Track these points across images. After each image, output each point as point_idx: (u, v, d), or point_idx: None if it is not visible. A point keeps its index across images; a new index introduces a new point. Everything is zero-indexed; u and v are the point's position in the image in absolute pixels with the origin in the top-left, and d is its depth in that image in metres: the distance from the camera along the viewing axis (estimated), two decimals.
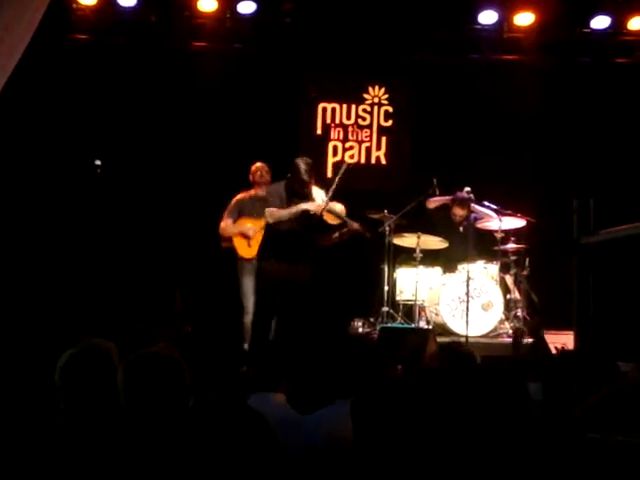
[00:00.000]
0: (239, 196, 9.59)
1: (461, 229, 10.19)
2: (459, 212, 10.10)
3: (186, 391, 3.10)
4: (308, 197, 8.52)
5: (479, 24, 10.95)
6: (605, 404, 2.67)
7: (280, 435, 2.53)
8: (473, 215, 10.09)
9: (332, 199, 8.52)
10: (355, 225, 8.59)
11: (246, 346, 8.64)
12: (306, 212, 8.42)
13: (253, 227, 9.41)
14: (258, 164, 9.63)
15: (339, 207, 8.60)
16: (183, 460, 2.31)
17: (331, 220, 8.54)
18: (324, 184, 9.17)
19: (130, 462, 2.87)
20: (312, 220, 8.41)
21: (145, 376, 3.07)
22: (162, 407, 3.03)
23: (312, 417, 4.17)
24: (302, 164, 8.44)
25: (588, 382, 2.63)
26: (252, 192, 9.59)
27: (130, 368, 3.11)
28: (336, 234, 8.65)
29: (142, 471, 2.84)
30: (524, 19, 10.89)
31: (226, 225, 9.55)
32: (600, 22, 10.88)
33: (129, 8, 10.56)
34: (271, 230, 8.62)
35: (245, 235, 9.47)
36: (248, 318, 9.34)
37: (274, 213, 8.50)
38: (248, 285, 9.41)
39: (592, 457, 2.48)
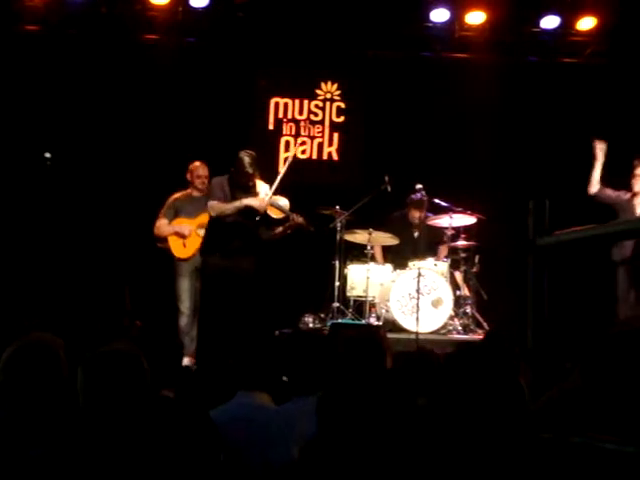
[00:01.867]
0: (175, 195, 9.55)
1: (415, 221, 10.25)
2: (416, 214, 10.15)
3: (147, 388, 3.08)
4: (252, 191, 8.53)
5: (431, 22, 11.00)
6: (554, 404, 2.71)
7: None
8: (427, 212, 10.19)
9: (276, 193, 8.55)
10: (299, 219, 8.63)
11: (186, 360, 8.53)
12: (249, 207, 8.43)
13: (189, 226, 9.37)
14: (196, 163, 9.59)
15: (283, 201, 8.64)
16: (139, 456, 2.31)
17: (275, 214, 8.58)
18: (275, 179, 9.19)
19: (88, 458, 2.85)
20: (255, 215, 8.43)
21: (106, 374, 3.04)
22: (123, 405, 3.01)
23: (287, 408, 4.21)
24: (246, 157, 8.45)
25: (540, 382, 2.66)
26: (189, 191, 9.55)
27: (91, 366, 3.08)
28: (280, 228, 8.68)
29: (98, 467, 2.82)
30: (475, 18, 10.96)
31: (160, 224, 9.48)
32: (550, 22, 10.98)
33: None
34: (215, 224, 8.62)
35: (181, 235, 9.40)
36: (183, 320, 9.31)
37: (216, 206, 8.50)
38: (183, 286, 9.36)
39: (547, 457, 2.51)
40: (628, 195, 9.03)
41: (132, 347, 3.19)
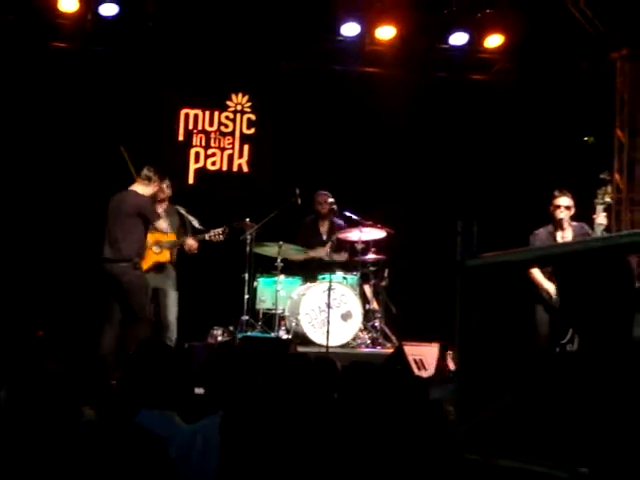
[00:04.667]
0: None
1: (324, 235, 10.30)
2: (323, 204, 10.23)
3: (73, 409, 3.00)
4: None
5: (342, 35, 11.04)
6: (483, 426, 2.72)
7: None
8: (337, 224, 10.23)
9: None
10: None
11: None
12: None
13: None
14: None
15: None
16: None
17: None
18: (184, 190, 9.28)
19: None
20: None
21: (34, 393, 2.95)
22: (49, 424, 2.92)
23: (187, 428, 4.13)
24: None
25: (467, 402, 2.67)
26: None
27: (17, 385, 2.98)
28: None
29: None
30: (385, 32, 11.03)
31: None
32: (458, 38, 11.12)
33: None
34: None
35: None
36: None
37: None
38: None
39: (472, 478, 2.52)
40: (552, 232, 8.94)
41: (54, 365, 3.11)
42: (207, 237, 9.42)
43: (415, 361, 8.42)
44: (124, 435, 2.29)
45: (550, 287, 8.58)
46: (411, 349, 8.59)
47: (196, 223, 9.36)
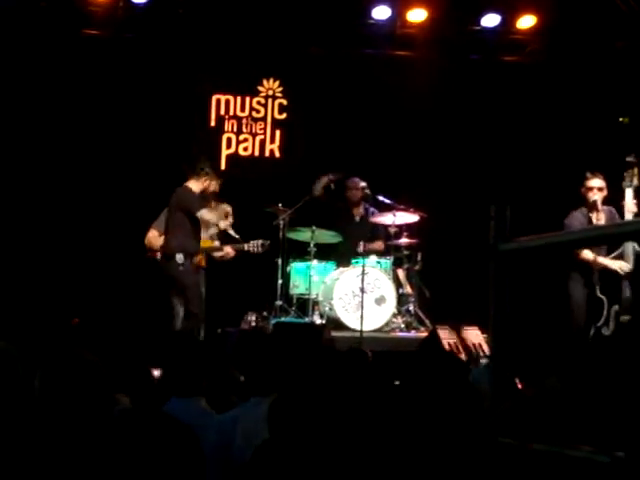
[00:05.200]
0: None
1: (357, 219, 10.28)
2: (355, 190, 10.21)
3: (108, 397, 3.01)
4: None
5: (373, 19, 10.99)
6: (521, 410, 2.71)
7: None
8: (371, 209, 10.20)
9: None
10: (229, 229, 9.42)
11: None
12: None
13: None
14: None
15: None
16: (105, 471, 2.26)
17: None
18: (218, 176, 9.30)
19: (43, 469, 2.78)
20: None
21: (66, 381, 2.96)
22: (83, 413, 2.93)
23: (227, 416, 4.15)
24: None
25: (502, 387, 2.65)
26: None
27: (49, 372, 3.00)
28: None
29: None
30: (417, 15, 10.97)
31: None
32: (490, 20, 11.03)
33: None
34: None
35: None
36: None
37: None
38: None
39: (505, 462, 2.50)
40: (586, 214, 8.85)
41: (90, 355, 3.12)
42: (246, 248, 9.48)
43: (449, 345, 8.41)
44: (154, 425, 2.30)
45: (612, 264, 8.42)
46: (445, 333, 8.58)
47: (232, 231, 9.34)
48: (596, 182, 8.67)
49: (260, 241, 9.48)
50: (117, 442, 2.26)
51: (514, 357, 2.72)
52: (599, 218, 8.66)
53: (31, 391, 3.05)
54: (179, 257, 8.90)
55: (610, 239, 2.57)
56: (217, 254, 9.53)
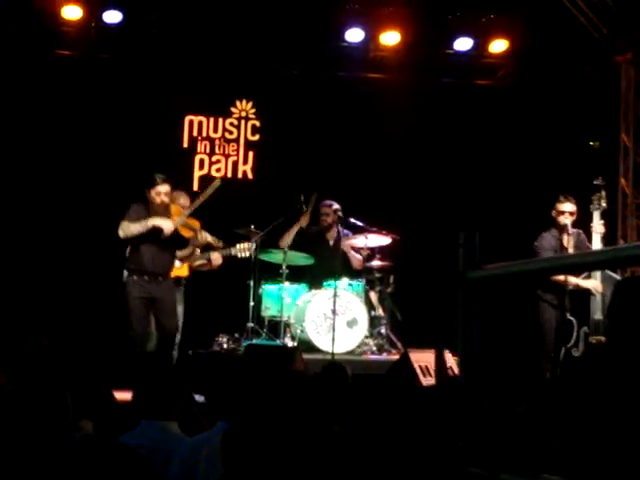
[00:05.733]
0: None
1: (330, 242, 10.24)
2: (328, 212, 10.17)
3: (68, 424, 2.96)
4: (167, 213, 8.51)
5: (346, 41, 11.02)
6: (490, 438, 2.69)
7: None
8: (344, 232, 10.18)
9: (192, 214, 8.54)
10: (207, 237, 8.79)
11: None
12: (158, 228, 8.35)
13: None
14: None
15: (194, 223, 8.67)
16: None
17: (186, 233, 8.54)
18: (190, 198, 9.19)
19: None
20: (161, 236, 8.41)
21: (30, 408, 2.92)
22: (45, 440, 2.89)
23: (193, 440, 4.11)
24: (162, 179, 8.46)
25: (469, 415, 2.64)
26: None
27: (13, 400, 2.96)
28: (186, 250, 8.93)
29: None
30: (390, 38, 11.01)
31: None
32: (463, 44, 11.09)
33: None
34: (132, 246, 8.58)
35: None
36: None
37: (124, 226, 8.41)
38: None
39: None
40: (556, 236, 8.89)
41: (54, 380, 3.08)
42: (234, 252, 9.41)
43: (421, 368, 8.39)
44: (108, 455, 2.27)
45: (585, 283, 8.48)
46: (417, 356, 8.56)
47: (209, 237, 9.07)
48: (568, 206, 8.75)
49: (247, 244, 9.43)
50: (73, 471, 2.22)
51: (484, 382, 2.71)
52: (568, 241, 8.73)
53: None
54: (124, 274, 8.69)
55: (579, 267, 2.57)
56: (204, 266, 9.40)
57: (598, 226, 8.54)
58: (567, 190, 8.88)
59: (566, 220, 8.71)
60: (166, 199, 8.56)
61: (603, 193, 8.65)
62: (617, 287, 2.73)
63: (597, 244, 8.64)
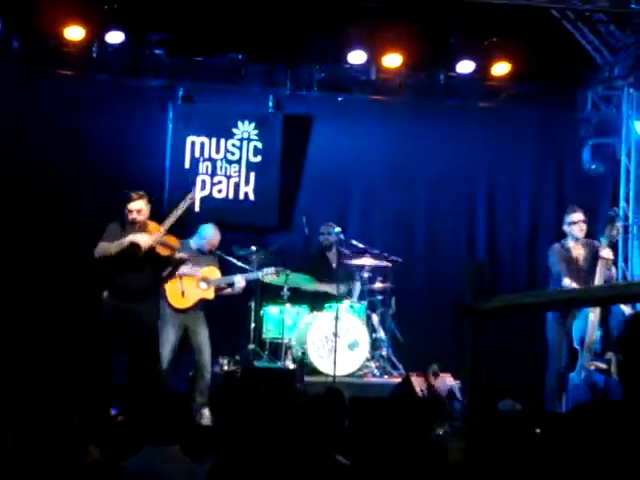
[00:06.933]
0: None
1: (332, 264, 10.23)
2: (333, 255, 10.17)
3: (77, 448, 2.94)
4: (144, 230, 8.40)
5: (349, 64, 11.03)
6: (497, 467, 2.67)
7: None
8: (345, 253, 10.16)
9: (168, 231, 8.44)
10: (183, 256, 8.70)
11: None
12: (134, 244, 8.26)
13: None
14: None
15: (173, 241, 8.55)
16: None
17: (163, 252, 8.45)
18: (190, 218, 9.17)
19: None
20: (138, 252, 8.28)
21: (40, 433, 2.89)
22: (56, 464, 2.86)
23: (205, 466, 4.08)
24: (134, 196, 8.37)
25: (477, 443, 2.62)
26: None
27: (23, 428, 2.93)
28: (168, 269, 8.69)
29: None
30: (392, 61, 11.01)
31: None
32: (465, 67, 11.09)
33: None
34: (103, 265, 8.46)
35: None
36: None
37: (99, 247, 8.38)
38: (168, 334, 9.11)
39: None
40: (567, 246, 8.91)
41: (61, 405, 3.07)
42: (260, 276, 9.40)
43: (422, 391, 8.37)
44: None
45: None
46: (418, 379, 8.54)
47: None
48: (579, 216, 8.85)
49: (272, 268, 9.42)
50: None
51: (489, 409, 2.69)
52: (580, 253, 8.79)
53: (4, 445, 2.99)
54: (103, 294, 8.53)
55: (595, 302, 2.55)
56: (226, 289, 9.38)
57: (605, 252, 8.57)
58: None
59: (581, 230, 8.79)
60: (139, 216, 8.41)
61: (617, 224, 8.76)
62: (629, 322, 2.70)
63: (600, 271, 8.61)
